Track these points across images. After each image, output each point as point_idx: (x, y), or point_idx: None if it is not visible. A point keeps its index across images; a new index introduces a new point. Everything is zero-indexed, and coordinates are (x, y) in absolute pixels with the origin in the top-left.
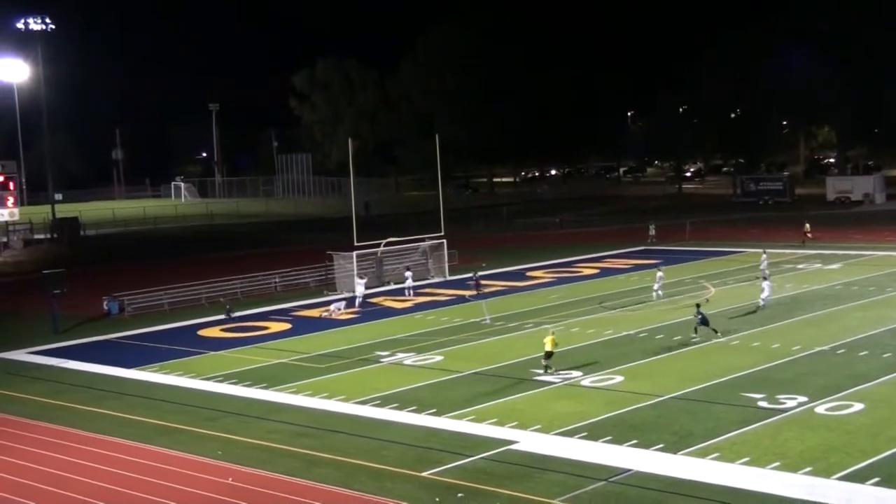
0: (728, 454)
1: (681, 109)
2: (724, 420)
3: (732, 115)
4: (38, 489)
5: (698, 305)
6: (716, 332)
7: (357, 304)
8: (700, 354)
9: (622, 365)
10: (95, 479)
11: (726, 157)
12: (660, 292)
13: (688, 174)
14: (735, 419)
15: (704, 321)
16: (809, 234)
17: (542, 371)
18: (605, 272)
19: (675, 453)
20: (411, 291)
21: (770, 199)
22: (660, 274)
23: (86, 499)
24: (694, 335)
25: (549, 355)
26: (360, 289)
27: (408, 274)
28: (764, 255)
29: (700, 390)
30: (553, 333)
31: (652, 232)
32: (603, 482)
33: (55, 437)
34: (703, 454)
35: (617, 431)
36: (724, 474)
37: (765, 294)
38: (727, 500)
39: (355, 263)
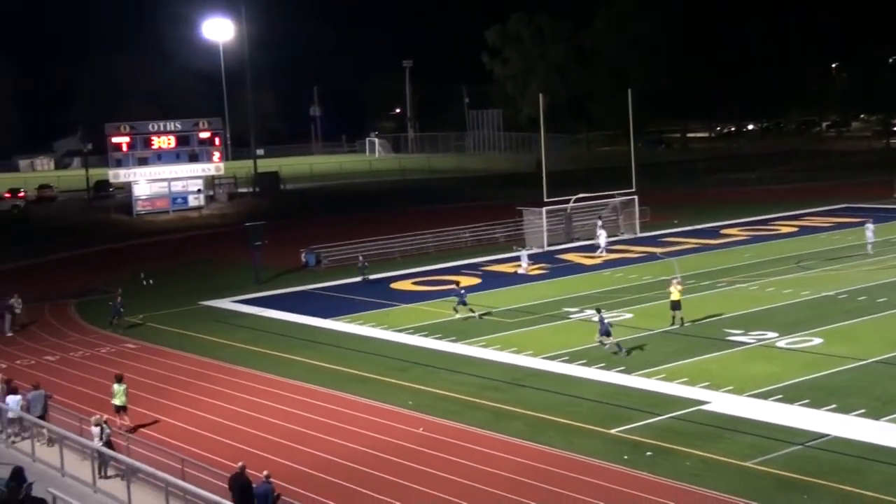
0: None
1: (891, 60)
2: None
3: None
4: (237, 429)
5: (456, 282)
6: (472, 311)
7: (600, 251)
8: None
9: (821, 326)
10: (289, 421)
11: None
12: (870, 248)
13: None
14: None
15: (463, 301)
16: None
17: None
18: (805, 230)
19: (876, 419)
20: (603, 250)
21: None
22: (870, 226)
23: (279, 440)
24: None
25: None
26: (602, 236)
27: (601, 232)
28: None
29: None
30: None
31: None
32: (799, 446)
33: (253, 382)
34: None
35: (814, 395)
36: None
37: None
38: None
39: (545, 218)
